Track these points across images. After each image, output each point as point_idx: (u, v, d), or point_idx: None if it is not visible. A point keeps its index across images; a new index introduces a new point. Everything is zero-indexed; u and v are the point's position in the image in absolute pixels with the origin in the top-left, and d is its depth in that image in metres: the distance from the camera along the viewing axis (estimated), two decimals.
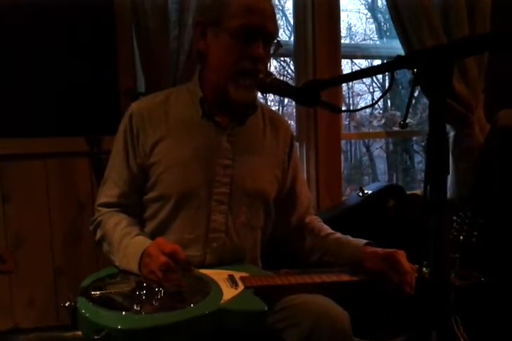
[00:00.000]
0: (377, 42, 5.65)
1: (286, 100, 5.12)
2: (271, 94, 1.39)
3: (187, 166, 1.33)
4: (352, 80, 1.09)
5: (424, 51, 0.82)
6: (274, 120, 1.49)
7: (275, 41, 1.33)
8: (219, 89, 1.32)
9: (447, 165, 0.81)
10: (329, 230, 1.50)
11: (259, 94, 1.49)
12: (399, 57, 0.90)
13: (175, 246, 1.17)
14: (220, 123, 1.37)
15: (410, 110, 1.01)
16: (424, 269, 1.16)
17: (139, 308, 1.06)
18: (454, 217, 1.63)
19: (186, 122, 1.36)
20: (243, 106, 1.36)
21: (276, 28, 1.32)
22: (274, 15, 1.32)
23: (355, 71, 1.03)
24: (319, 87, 1.11)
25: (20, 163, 1.80)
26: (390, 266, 1.29)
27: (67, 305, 1.10)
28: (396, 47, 2.26)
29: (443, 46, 0.81)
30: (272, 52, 1.34)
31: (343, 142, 2.30)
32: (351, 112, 4.96)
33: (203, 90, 1.36)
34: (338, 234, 1.47)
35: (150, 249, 1.19)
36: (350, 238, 1.45)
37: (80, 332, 1.71)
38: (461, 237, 1.61)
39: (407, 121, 0.87)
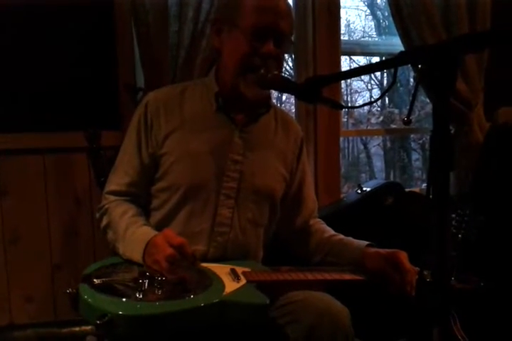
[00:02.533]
0: (377, 40, 5.64)
1: (284, 97, 5.11)
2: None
3: (198, 159, 1.33)
4: (355, 76, 1.08)
5: (429, 47, 0.81)
6: (286, 121, 1.50)
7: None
8: (231, 85, 1.33)
9: (451, 161, 0.81)
10: (332, 232, 1.52)
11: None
12: (402, 53, 0.90)
13: (182, 240, 1.17)
14: (234, 119, 1.38)
15: (408, 107, 1.00)
16: (425, 272, 1.15)
17: (141, 296, 1.06)
18: (453, 215, 1.63)
19: (200, 115, 1.37)
20: (255, 103, 1.36)
21: (290, 27, 1.32)
22: (288, 14, 1.32)
23: (359, 67, 1.03)
24: (321, 83, 1.10)
25: (18, 158, 1.79)
26: (391, 265, 1.29)
27: (68, 291, 1.10)
28: (395, 44, 2.25)
29: (448, 41, 0.81)
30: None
31: (340, 139, 2.29)
32: (352, 109, 4.95)
33: (218, 85, 1.37)
34: (341, 236, 1.49)
35: (157, 240, 1.19)
36: (352, 239, 1.46)
37: (77, 328, 1.72)
38: (460, 235, 1.62)
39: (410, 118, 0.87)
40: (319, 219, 1.58)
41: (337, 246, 1.45)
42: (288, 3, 1.35)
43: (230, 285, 1.16)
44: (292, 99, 3.97)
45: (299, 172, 1.52)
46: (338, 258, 1.43)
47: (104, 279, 1.13)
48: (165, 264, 1.13)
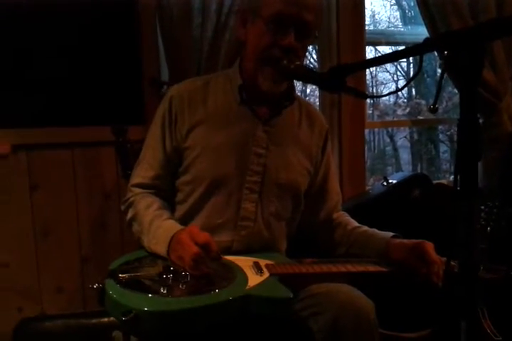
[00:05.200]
0: (402, 30, 5.55)
1: (308, 90, 5.08)
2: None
3: (221, 152, 1.33)
4: (379, 64, 1.06)
5: (455, 32, 0.79)
6: (311, 113, 1.49)
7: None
8: (252, 77, 1.33)
9: (479, 150, 0.79)
10: (356, 224, 1.50)
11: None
12: (427, 39, 0.88)
13: (208, 238, 1.15)
14: (257, 112, 1.37)
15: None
16: (453, 263, 1.13)
17: (165, 291, 1.07)
18: (482, 207, 1.60)
19: (224, 109, 1.37)
20: (273, 95, 1.35)
21: (314, 20, 1.29)
22: (315, 7, 1.29)
23: (382, 55, 1.00)
24: (345, 71, 1.09)
25: (47, 152, 1.83)
26: (417, 256, 1.27)
27: (95, 286, 1.11)
28: (422, 33, 2.22)
29: (474, 27, 0.78)
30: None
31: (366, 132, 2.27)
32: (376, 98, 4.87)
33: (242, 78, 1.36)
34: (365, 227, 1.47)
35: (182, 236, 1.18)
36: (377, 231, 1.44)
37: (105, 319, 1.75)
38: (489, 228, 1.59)
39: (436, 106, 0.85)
40: (343, 212, 1.56)
41: (361, 238, 1.43)
42: None
43: (253, 279, 1.16)
44: (317, 92, 3.94)
45: (324, 166, 1.50)
46: (362, 249, 1.41)
47: (129, 274, 1.14)
48: (190, 262, 1.13)
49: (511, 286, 1.36)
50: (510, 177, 2.16)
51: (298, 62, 1.24)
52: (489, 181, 2.22)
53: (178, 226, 1.25)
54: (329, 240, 1.50)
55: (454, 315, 0.84)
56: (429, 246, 1.27)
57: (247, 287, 1.12)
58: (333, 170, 1.56)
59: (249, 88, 1.35)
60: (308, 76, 1.23)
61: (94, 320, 1.73)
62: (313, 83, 1.26)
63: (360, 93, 1.19)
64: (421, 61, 0.93)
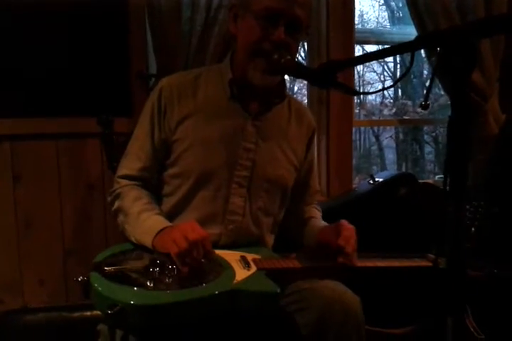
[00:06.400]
0: (391, 29, 5.58)
1: (296, 88, 5.08)
2: None
3: (210, 146, 1.33)
4: (370, 61, 1.06)
5: (448, 30, 0.80)
6: (300, 112, 1.49)
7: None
8: (243, 71, 1.32)
9: (469, 149, 0.79)
10: (314, 215, 1.52)
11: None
12: (420, 37, 0.88)
13: (205, 234, 1.15)
14: (247, 107, 1.37)
15: (421, 99, 0.98)
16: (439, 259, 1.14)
17: (152, 285, 1.06)
18: (468, 206, 1.61)
19: (214, 102, 1.36)
20: (264, 90, 1.35)
21: (305, 15, 1.29)
22: (306, 3, 1.29)
23: (374, 51, 1.00)
24: (335, 68, 1.09)
25: (31, 143, 1.80)
26: (335, 232, 1.29)
27: (79, 279, 1.09)
28: (410, 33, 2.23)
29: (467, 24, 0.79)
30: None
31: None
32: (365, 95, 4.89)
33: (233, 72, 1.36)
34: (316, 220, 1.50)
35: (173, 230, 1.17)
36: (318, 222, 1.48)
37: (88, 312, 1.73)
38: (473, 228, 1.60)
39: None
40: (315, 205, 1.58)
41: (309, 230, 1.47)
42: None
43: (241, 273, 1.16)
44: (304, 90, 3.94)
45: (307, 162, 1.52)
46: (307, 241, 1.46)
47: (115, 267, 1.13)
48: (185, 245, 1.11)
49: (495, 284, 1.38)
50: (495, 178, 2.19)
51: (289, 57, 1.24)
52: (475, 181, 2.24)
53: (168, 223, 1.25)
54: (295, 234, 1.52)
55: (440, 312, 0.85)
56: (344, 222, 1.31)
57: (235, 281, 1.12)
58: (315, 168, 1.57)
59: (240, 82, 1.35)
60: (298, 71, 1.22)
61: (76, 313, 1.71)
62: (304, 78, 1.25)
63: (350, 89, 1.19)
64: (412, 59, 0.93)
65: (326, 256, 1.29)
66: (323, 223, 1.47)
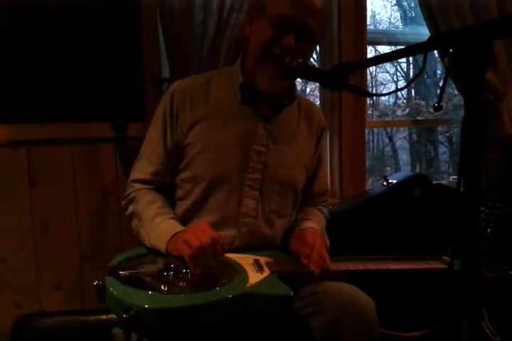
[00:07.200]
0: (403, 30, 5.55)
1: (308, 89, 5.08)
2: None
3: (222, 150, 1.33)
4: (382, 62, 1.06)
5: (461, 30, 0.79)
6: (310, 111, 1.49)
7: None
8: (252, 76, 1.33)
9: (482, 148, 0.79)
10: (303, 215, 1.51)
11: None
12: (432, 37, 0.87)
13: (216, 235, 1.16)
14: (258, 110, 1.37)
15: (435, 99, 0.98)
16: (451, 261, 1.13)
17: (166, 289, 1.07)
18: (482, 207, 1.60)
19: (225, 106, 1.37)
20: (271, 94, 1.35)
21: (317, 26, 1.29)
22: (321, 14, 1.30)
23: (386, 53, 1.00)
24: (347, 69, 1.09)
25: (47, 148, 1.82)
26: (302, 241, 1.31)
27: (95, 283, 1.10)
28: (422, 33, 2.22)
29: (481, 24, 0.78)
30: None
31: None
32: (378, 97, 4.86)
33: (244, 76, 1.36)
34: (305, 221, 1.48)
35: (186, 233, 1.18)
36: (305, 223, 1.46)
37: (104, 316, 1.74)
38: (489, 229, 1.59)
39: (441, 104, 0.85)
40: (321, 206, 1.57)
41: (294, 232, 1.45)
42: (324, 4, 1.32)
43: (254, 277, 1.16)
44: (317, 92, 3.94)
45: (315, 162, 1.52)
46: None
47: (129, 271, 1.13)
48: (197, 243, 1.12)
49: (511, 286, 1.36)
50: (510, 178, 2.16)
51: (300, 60, 1.24)
52: (489, 182, 2.22)
53: (181, 227, 1.25)
54: (287, 235, 1.49)
55: (455, 314, 0.84)
56: (309, 232, 1.33)
57: (248, 285, 1.12)
58: (322, 166, 1.57)
59: (250, 86, 1.35)
60: (310, 73, 1.23)
61: (92, 317, 1.72)
62: (315, 80, 1.26)
63: (362, 91, 1.19)
64: (425, 60, 0.93)
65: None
66: (309, 224, 1.44)
